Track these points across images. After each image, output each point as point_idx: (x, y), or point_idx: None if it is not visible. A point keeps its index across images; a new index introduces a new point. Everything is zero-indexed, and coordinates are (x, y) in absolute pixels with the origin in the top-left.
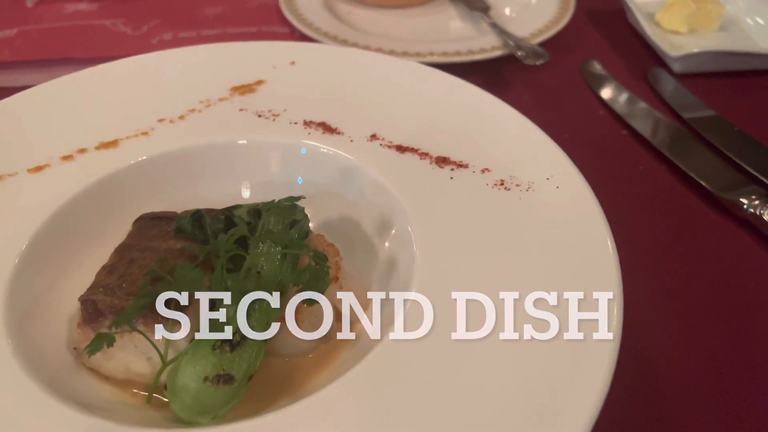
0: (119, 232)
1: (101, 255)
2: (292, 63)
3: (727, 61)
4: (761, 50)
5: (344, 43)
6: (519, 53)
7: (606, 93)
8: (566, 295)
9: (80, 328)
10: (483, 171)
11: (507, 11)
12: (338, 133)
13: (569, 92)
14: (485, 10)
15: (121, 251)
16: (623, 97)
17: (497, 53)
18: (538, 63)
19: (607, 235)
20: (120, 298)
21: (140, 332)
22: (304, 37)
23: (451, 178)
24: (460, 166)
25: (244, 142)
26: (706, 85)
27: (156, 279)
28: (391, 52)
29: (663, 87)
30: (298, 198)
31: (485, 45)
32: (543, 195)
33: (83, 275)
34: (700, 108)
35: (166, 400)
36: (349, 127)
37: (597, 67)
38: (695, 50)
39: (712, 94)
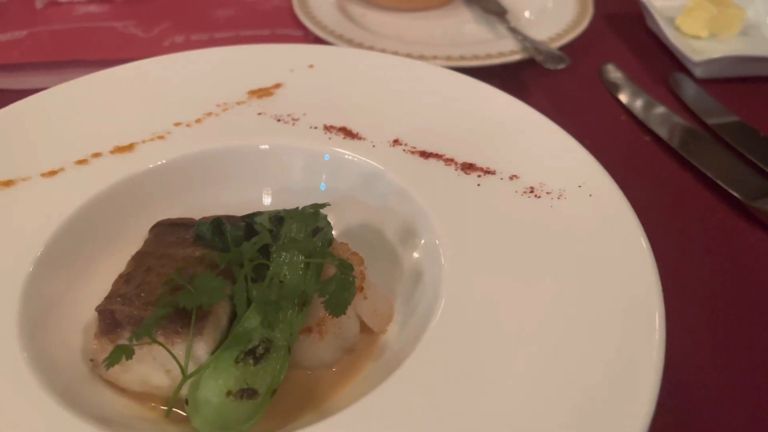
0: (135, 238)
1: (117, 262)
2: (311, 66)
3: (749, 67)
4: None
5: (360, 46)
6: (539, 57)
7: (626, 98)
8: (606, 314)
9: (97, 339)
10: (511, 178)
11: (526, 14)
12: (359, 138)
13: (589, 97)
14: (502, 13)
15: (138, 259)
16: (644, 102)
17: (516, 57)
18: (559, 67)
19: (647, 251)
20: (138, 308)
21: (161, 344)
22: (318, 40)
23: (478, 185)
24: (487, 172)
25: (266, 147)
26: (728, 90)
27: (175, 288)
28: (408, 56)
29: (685, 92)
30: (323, 205)
31: (503, 49)
32: (575, 204)
33: (98, 283)
34: (723, 114)
35: (185, 414)
36: (371, 131)
37: (616, 71)
38: (718, 55)
39: (735, 100)
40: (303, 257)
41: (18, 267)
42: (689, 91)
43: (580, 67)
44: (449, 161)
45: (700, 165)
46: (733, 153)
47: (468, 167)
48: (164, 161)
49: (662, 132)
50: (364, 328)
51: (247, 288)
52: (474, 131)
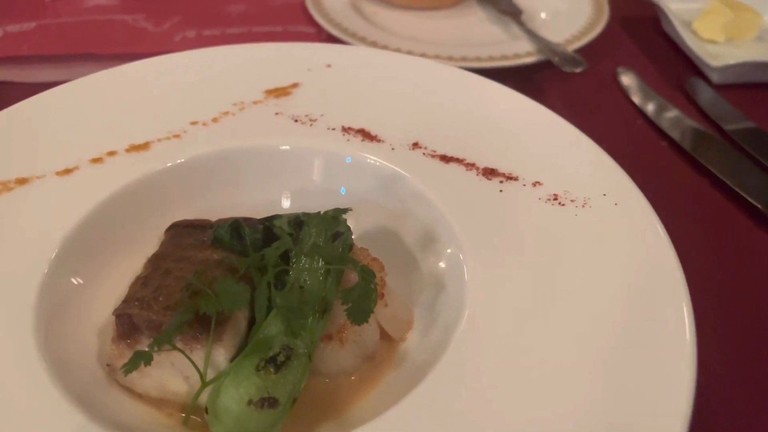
0: (150, 239)
1: (132, 263)
2: (328, 66)
3: (766, 72)
4: None
5: (374, 45)
6: (556, 60)
7: (642, 102)
8: (635, 329)
9: (114, 343)
10: (534, 184)
11: (542, 15)
12: (378, 140)
13: (605, 101)
14: (517, 14)
15: (155, 261)
16: (660, 106)
17: (532, 59)
18: (576, 70)
19: (676, 265)
20: (156, 313)
21: (181, 351)
22: (331, 38)
23: (501, 191)
24: (510, 178)
25: (285, 148)
26: (745, 95)
27: (195, 292)
28: (422, 56)
29: (701, 97)
30: (345, 210)
31: (519, 50)
32: (601, 213)
33: (114, 284)
34: (740, 119)
35: (203, 421)
36: (390, 134)
37: (632, 75)
38: (735, 60)
39: (752, 105)
40: (323, 263)
41: (33, 268)
42: (706, 96)
43: (596, 70)
44: (470, 166)
45: (718, 172)
46: (751, 160)
47: (490, 172)
48: (180, 161)
49: (679, 137)
50: (384, 335)
51: (270, 295)
52: (495, 135)
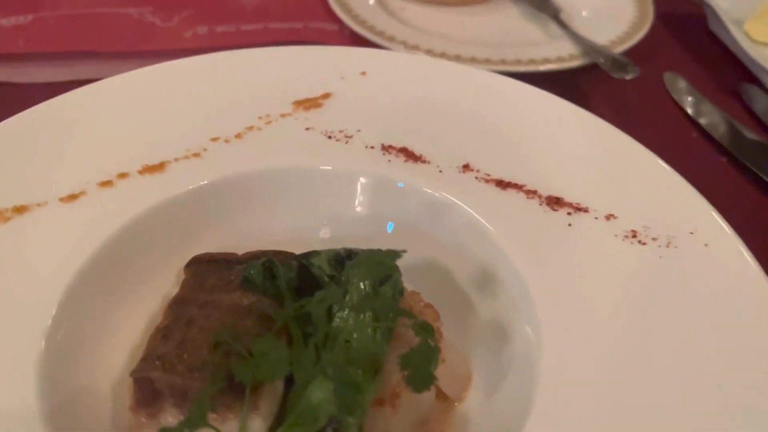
0: (168, 276)
1: (148, 306)
2: (362, 73)
3: None
4: None
5: (403, 44)
6: (604, 64)
7: (696, 112)
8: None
9: (133, 412)
10: (608, 217)
11: (583, 14)
12: (423, 161)
13: (656, 110)
14: (556, 12)
15: (176, 308)
16: (716, 117)
17: (576, 63)
18: (627, 77)
19: None
20: (181, 375)
21: (214, 428)
22: (355, 36)
23: (569, 224)
24: (578, 209)
25: (323, 169)
26: None
27: (226, 352)
28: (457, 58)
29: (757, 105)
30: (399, 254)
31: (562, 53)
32: (689, 254)
33: (128, 331)
34: None
35: None
36: (436, 154)
37: (682, 80)
38: None
39: None
40: (375, 318)
41: (34, 316)
42: (762, 104)
43: (643, 74)
44: (531, 193)
45: None
46: None
47: (555, 202)
48: (201, 183)
49: (741, 153)
50: (439, 394)
51: (319, 361)
52: (556, 157)
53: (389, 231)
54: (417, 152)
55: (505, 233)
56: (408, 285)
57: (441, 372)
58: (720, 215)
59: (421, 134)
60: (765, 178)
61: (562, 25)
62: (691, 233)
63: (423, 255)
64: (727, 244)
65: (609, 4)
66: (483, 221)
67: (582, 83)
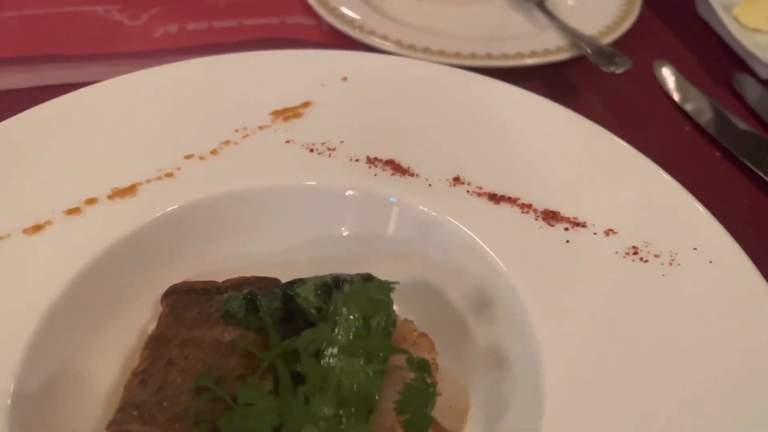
0: (144, 308)
1: (122, 343)
2: (344, 78)
3: None
4: None
5: (384, 39)
6: (593, 57)
7: (688, 104)
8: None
9: None
10: (607, 233)
11: (569, 2)
12: (411, 174)
13: (647, 103)
14: (541, 1)
15: (154, 348)
16: (709, 109)
17: (564, 55)
18: (618, 71)
19: None
20: (163, 427)
21: None
22: (333, 31)
23: (567, 241)
24: (576, 224)
25: (305, 185)
26: None
27: (210, 399)
28: (441, 53)
29: (750, 95)
30: (391, 286)
31: (549, 45)
32: (694, 272)
33: (102, 372)
34: None
35: None
36: (425, 166)
37: (672, 71)
38: None
39: None
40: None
41: (4, 360)
42: (755, 94)
43: (634, 65)
44: (526, 207)
45: None
46: None
47: (551, 216)
48: (175, 207)
49: (735, 147)
50: (436, 427)
51: (310, 410)
52: (553, 169)
53: (379, 250)
54: (404, 165)
55: (500, 251)
56: (401, 309)
57: (439, 407)
58: (725, 230)
59: (408, 144)
60: (756, 170)
61: (549, 14)
62: (695, 249)
63: (415, 276)
64: (733, 261)
65: None
66: (477, 239)
67: (571, 75)
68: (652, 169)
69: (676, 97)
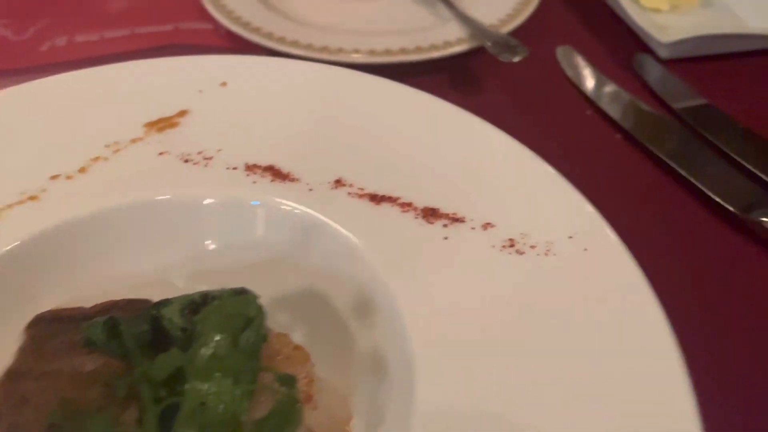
0: (6, 343)
1: None
2: (223, 84)
3: (716, 44)
4: (758, 31)
5: (281, 41)
6: (490, 47)
7: (591, 88)
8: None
9: None
10: (485, 227)
11: None
12: (292, 179)
13: (550, 89)
14: None
15: (8, 384)
16: (610, 91)
17: (463, 47)
18: (515, 59)
19: (664, 323)
20: None
21: None
22: (231, 35)
23: (445, 237)
24: (455, 220)
25: (167, 197)
26: (695, 69)
27: None
28: (340, 51)
29: (650, 75)
30: (253, 299)
31: (449, 37)
32: (568, 261)
33: None
34: (690, 97)
35: None
36: (306, 170)
37: (576, 56)
38: (684, 33)
39: (703, 80)
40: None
41: None
42: (655, 73)
43: (537, 52)
44: (406, 206)
45: (683, 169)
46: (704, 142)
47: (431, 214)
48: (40, 231)
49: (634, 129)
50: None
51: None
52: (434, 165)
53: (258, 260)
54: (285, 170)
55: (378, 253)
56: (280, 321)
57: (316, 418)
58: (601, 216)
59: (289, 150)
60: (656, 152)
61: (449, 5)
62: (570, 238)
63: (296, 285)
64: (607, 248)
65: None
66: (356, 241)
67: (474, 66)
68: (531, 159)
69: (577, 81)
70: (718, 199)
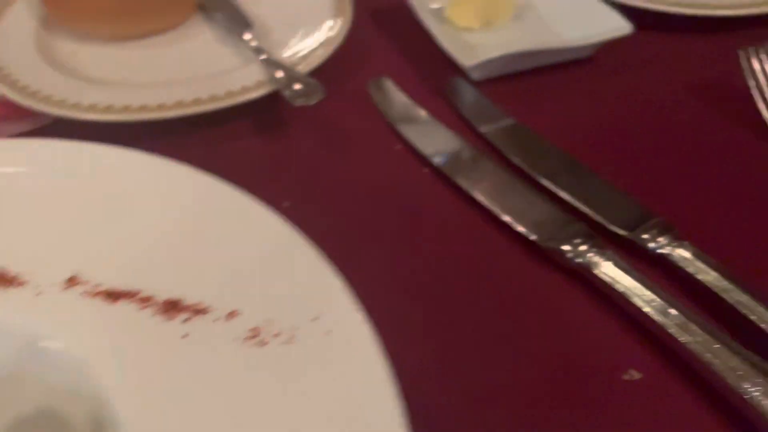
0: None
1: None
2: None
3: (527, 60)
4: (564, 44)
5: (61, 105)
6: (286, 91)
7: (400, 121)
8: None
9: None
10: (229, 316)
11: (271, 23)
12: (18, 283)
13: (361, 126)
14: (245, 28)
15: None
16: (420, 122)
17: (261, 91)
18: (310, 103)
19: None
20: None
21: None
22: (9, 104)
23: (185, 335)
24: (197, 311)
25: None
26: (507, 89)
27: None
28: (125, 109)
29: (461, 99)
30: None
31: (248, 81)
32: (310, 348)
33: None
34: (497, 119)
35: None
36: (36, 269)
37: (390, 87)
38: (491, 54)
39: (516, 99)
40: None
41: None
42: (467, 97)
43: (350, 86)
44: (146, 301)
45: (485, 198)
46: (513, 169)
47: (171, 307)
48: None
49: (440, 160)
50: None
51: None
52: (180, 247)
53: None
54: (13, 272)
55: (106, 366)
56: None
57: None
58: (346, 291)
59: (13, 245)
60: (460, 183)
61: (254, 44)
62: (313, 320)
63: (29, 407)
64: (350, 328)
65: (306, 7)
66: (82, 356)
67: (283, 108)
68: (275, 225)
69: (388, 115)
70: (517, 227)
